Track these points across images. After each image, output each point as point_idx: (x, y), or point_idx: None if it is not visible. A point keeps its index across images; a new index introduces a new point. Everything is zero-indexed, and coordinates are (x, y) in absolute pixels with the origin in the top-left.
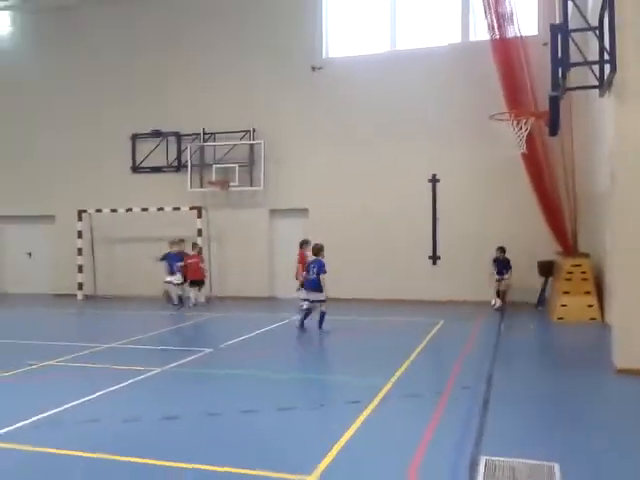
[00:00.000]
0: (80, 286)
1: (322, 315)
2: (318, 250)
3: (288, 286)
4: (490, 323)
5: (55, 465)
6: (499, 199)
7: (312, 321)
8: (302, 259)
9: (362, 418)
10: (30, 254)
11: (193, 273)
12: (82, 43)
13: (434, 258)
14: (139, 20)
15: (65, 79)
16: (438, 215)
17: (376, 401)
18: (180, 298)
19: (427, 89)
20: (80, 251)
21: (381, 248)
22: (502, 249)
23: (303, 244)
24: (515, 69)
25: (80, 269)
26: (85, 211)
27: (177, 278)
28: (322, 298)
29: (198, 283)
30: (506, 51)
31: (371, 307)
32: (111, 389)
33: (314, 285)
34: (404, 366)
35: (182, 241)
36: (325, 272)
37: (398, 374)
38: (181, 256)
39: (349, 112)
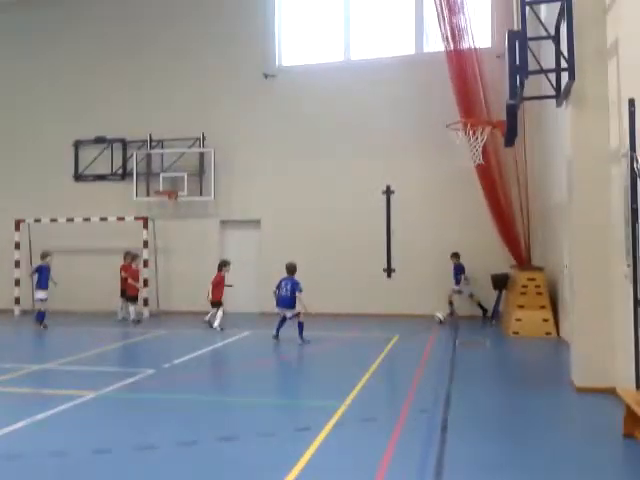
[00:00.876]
0: (17, 300)
1: (300, 325)
2: (293, 268)
3: (239, 300)
4: (444, 338)
5: None
6: (453, 211)
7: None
8: (220, 280)
9: (314, 447)
10: None
11: (125, 287)
12: (22, 44)
13: (389, 271)
14: (82, 22)
15: (4, 81)
16: (393, 227)
17: (329, 427)
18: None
19: (381, 99)
20: (17, 263)
21: (336, 261)
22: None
23: (223, 265)
24: (469, 81)
25: (17, 282)
26: (23, 221)
27: (44, 294)
28: (297, 312)
29: (129, 298)
30: (460, 62)
31: (328, 322)
32: (37, 418)
33: (287, 302)
34: (358, 386)
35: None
36: (301, 290)
37: (352, 396)
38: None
39: (303, 121)
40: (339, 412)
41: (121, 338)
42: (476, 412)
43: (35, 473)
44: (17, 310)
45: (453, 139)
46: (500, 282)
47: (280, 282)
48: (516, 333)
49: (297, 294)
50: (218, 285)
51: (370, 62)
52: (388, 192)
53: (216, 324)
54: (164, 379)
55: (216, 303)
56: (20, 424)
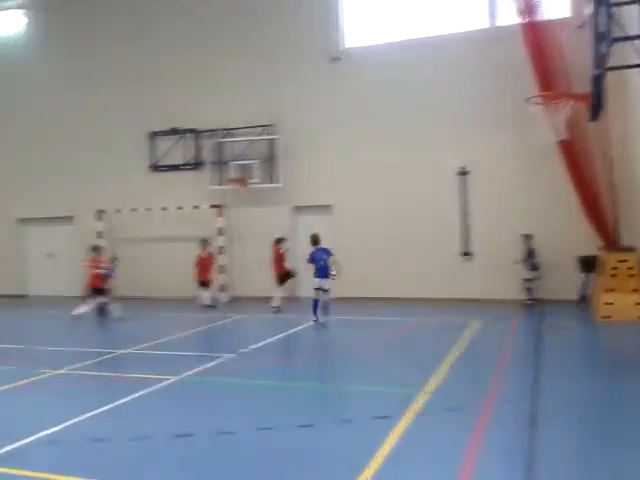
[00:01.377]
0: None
1: (326, 305)
2: (318, 239)
3: (310, 285)
4: (529, 323)
5: None
6: (534, 191)
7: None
8: (277, 256)
9: (394, 436)
10: (50, 254)
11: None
12: (99, 40)
13: (467, 254)
14: (156, 16)
15: (81, 77)
16: (469, 209)
17: (409, 416)
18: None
19: (453, 77)
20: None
21: (409, 244)
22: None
23: (280, 241)
24: (547, 54)
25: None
26: (104, 211)
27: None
28: (328, 286)
29: (202, 284)
30: (537, 35)
31: (399, 307)
32: (121, 401)
33: (326, 272)
34: (437, 374)
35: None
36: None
37: (431, 383)
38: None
39: (371, 103)
40: (419, 400)
41: (200, 323)
42: (567, 401)
43: (116, 456)
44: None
45: (532, 115)
46: (588, 264)
47: (313, 254)
48: (606, 317)
49: (332, 258)
50: (278, 260)
51: (440, 38)
52: (463, 172)
53: (274, 303)
54: (243, 364)
55: (282, 276)
56: (104, 407)
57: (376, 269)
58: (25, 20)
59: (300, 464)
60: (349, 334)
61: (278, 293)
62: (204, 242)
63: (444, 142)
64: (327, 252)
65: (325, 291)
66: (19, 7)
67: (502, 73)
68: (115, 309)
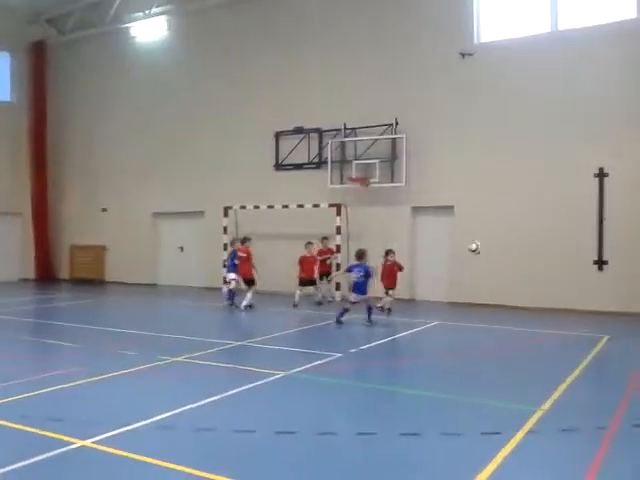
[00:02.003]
0: (224, 280)
1: (369, 309)
2: (362, 254)
3: (429, 288)
4: None
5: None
6: None
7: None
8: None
9: (503, 454)
10: (182, 248)
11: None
12: (233, 46)
13: (600, 263)
14: (283, 19)
15: (213, 79)
16: (605, 214)
17: (521, 434)
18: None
19: (594, 73)
20: (225, 246)
21: (537, 250)
22: None
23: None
24: None
25: (224, 264)
26: (231, 207)
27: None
28: (365, 297)
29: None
30: None
31: (523, 316)
32: (231, 392)
33: (360, 288)
34: (559, 390)
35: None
36: (373, 275)
37: (551, 400)
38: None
39: (502, 102)
40: (534, 418)
41: (312, 321)
42: None
43: (218, 447)
44: (225, 288)
45: None
46: None
47: (351, 268)
48: None
49: (371, 280)
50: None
51: (581, 32)
52: (601, 175)
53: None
54: (350, 364)
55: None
56: (215, 397)
57: (500, 275)
58: (166, 25)
59: (399, 474)
60: (463, 342)
61: (388, 297)
62: (309, 243)
63: (580, 142)
64: (364, 268)
65: (352, 303)
66: (161, 14)
67: None
68: (248, 298)
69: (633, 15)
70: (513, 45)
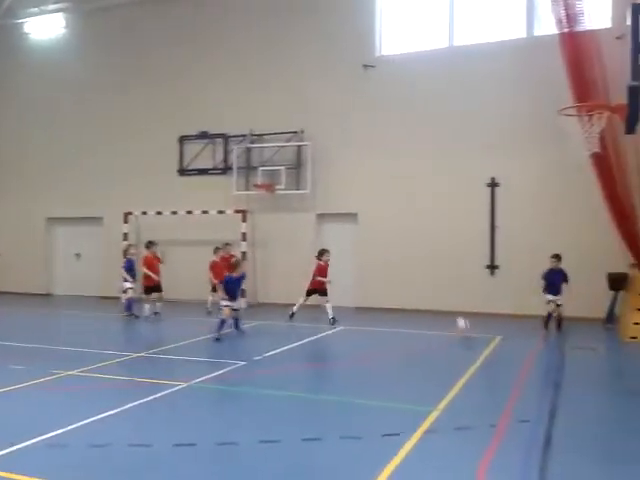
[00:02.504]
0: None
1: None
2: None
3: (334, 294)
4: (553, 341)
5: None
6: (565, 204)
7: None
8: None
9: (401, 455)
10: (79, 256)
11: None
12: (131, 44)
13: (492, 268)
14: (188, 20)
15: (115, 81)
16: (497, 222)
17: (419, 434)
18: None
19: (488, 86)
20: (125, 254)
21: (435, 256)
22: (558, 257)
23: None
24: (585, 64)
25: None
26: (131, 213)
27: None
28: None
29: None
30: (576, 45)
31: (422, 319)
32: (126, 406)
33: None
34: (454, 391)
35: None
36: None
37: (446, 401)
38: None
39: (403, 112)
40: (431, 418)
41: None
42: (585, 426)
43: (111, 465)
44: (124, 298)
45: (566, 127)
46: (617, 282)
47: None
48: (634, 338)
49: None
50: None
51: (476, 48)
52: (493, 185)
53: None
54: (254, 372)
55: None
56: (109, 413)
57: (400, 280)
58: (63, 23)
59: (302, 479)
60: (365, 346)
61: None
62: (218, 248)
63: (474, 152)
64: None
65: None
66: (57, 11)
67: (538, 84)
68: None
69: (523, 35)
70: (413, 58)
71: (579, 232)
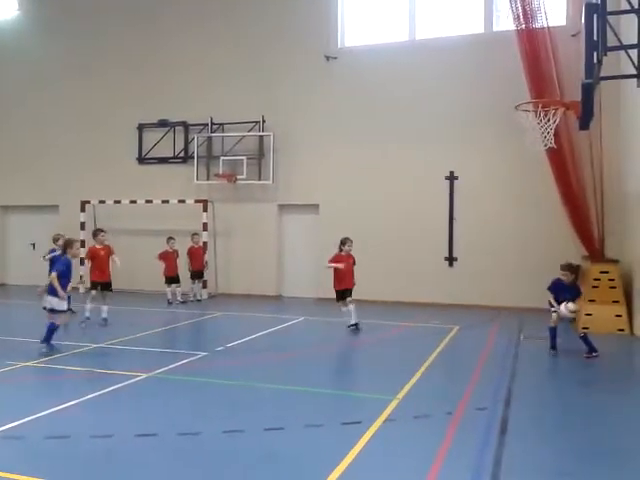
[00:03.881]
0: (81, 279)
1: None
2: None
3: (296, 285)
4: (508, 332)
5: None
6: (521, 198)
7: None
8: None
9: (362, 442)
10: (33, 245)
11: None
12: (89, 28)
13: (450, 260)
14: (148, 5)
15: (70, 66)
16: (455, 214)
17: (379, 422)
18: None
19: (447, 80)
20: (83, 243)
21: (395, 247)
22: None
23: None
24: (541, 61)
25: (81, 262)
26: (88, 202)
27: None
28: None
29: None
30: (532, 42)
31: (383, 310)
32: (87, 397)
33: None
34: (413, 380)
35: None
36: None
37: (406, 389)
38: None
39: (365, 104)
40: (391, 406)
41: (178, 319)
42: (539, 413)
43: (71, 455)
44: (82, 288)
45: (522, 122)
46: None
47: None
48: (586, 329)
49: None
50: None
51: (436, 41)
52: (451, 178)
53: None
54: (215, 363)
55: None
56: (70, 403)
57: (361, 271)
58: (16, 6)
59: (265, 468)
60: (325, 336)
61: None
62: (170, 238)
63: (434, 146)
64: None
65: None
66: None
67: (496, 79)
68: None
69: (482, 30)
70: (374, 50)
71: (536, 225)
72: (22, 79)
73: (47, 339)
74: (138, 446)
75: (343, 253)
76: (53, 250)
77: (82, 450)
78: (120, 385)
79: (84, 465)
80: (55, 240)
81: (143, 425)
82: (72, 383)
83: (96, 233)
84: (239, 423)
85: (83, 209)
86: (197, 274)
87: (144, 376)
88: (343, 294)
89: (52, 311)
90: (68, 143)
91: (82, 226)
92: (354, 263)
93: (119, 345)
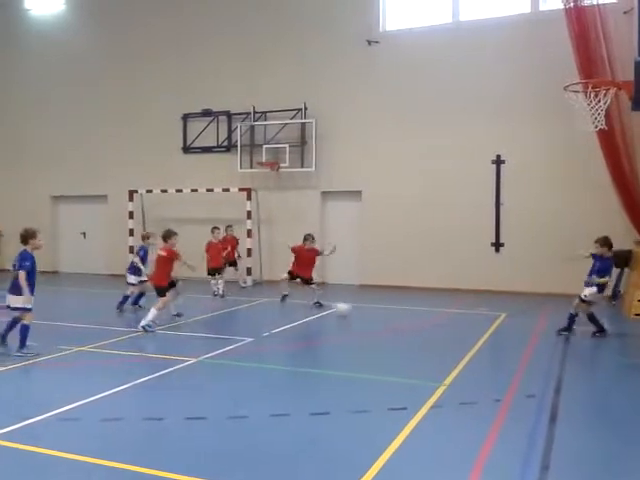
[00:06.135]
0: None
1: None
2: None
3: (340, 271)
4: (558, 318)
5: (57, 472)
6: (571, 181)
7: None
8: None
9: (408, 429)
10: (84, 234)
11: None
12: (134, 21)
13: (497, 245)
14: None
15: (117, 58)
16: (502, 199)
17: (425, 408)
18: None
19: (493, 62)
20: (131, 232)
21: (439, 233)
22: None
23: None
24: (591, 40)
25: (131, 250)
26: (136, 191)
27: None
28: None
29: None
30: (582, 21)
31: (427, 296)
32: (139, 381)
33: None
34: (459, 367)
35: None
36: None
37: (452, 376)
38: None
39: (408, 89)
40: (437, 393)
41: (224, 306)
42: (590, 401)
43: (124, 437)
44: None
45: (572, 103)
46: (622, 259)
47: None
48: (638, 315)
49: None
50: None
51: (481, 23)
52: (498, 161)
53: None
54: (262, 348)
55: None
56: (121, 387)
57: (404, 258)
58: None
59: (311, 453)
60: (371, 323)
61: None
62: (215, 228)
63: (480, 130)
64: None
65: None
66: None
67: (543, 59)
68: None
69: (527, 10)
70: (417, 34)
71: (585, 209)
72: (69, 73)
73: (24, 342)
74: (188, 429)
75: (305, 246)
76: (142, 248)
77: (135, 432)
78: (171, 369)
79: (137, 446)
80: (145, 238)
81: (193, 408)
82: (124, 367)
83: (169, 234)
84: (285, 407)
85: (131, 198)
86: (217, 270)
87: (193, 360)
88: (295, 278)
89: (17, 309)
90: (115, 134)
91: (130, 215)
92: (316, 255)
93: (169, 331)
